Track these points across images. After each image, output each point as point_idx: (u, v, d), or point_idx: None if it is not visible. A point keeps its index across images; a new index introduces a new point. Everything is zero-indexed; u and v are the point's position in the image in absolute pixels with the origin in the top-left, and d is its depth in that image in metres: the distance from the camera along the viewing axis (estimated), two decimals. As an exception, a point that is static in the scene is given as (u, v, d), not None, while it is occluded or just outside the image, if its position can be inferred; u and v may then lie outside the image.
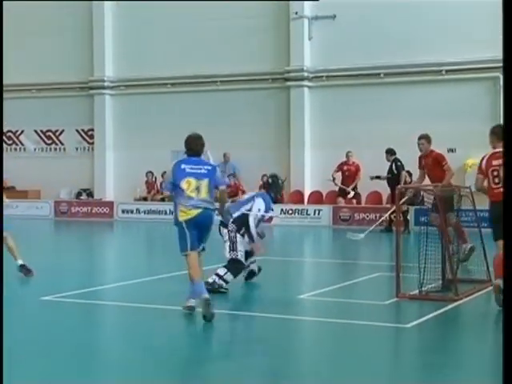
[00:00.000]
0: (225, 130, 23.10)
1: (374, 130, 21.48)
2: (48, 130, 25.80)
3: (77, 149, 25.54)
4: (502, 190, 8.37)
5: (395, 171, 18.68)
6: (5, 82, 25.23)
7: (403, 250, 9.75)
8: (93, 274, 12.52)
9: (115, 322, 8.67)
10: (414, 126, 20.67)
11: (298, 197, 22.21)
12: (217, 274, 9.86)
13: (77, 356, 6.78)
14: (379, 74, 21.62)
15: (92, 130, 25.20)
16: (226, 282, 9.88)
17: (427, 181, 12.74)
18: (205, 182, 8.04)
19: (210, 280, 9.72)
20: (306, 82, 22.44)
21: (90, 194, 25.03)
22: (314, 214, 21.20)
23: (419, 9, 20.98)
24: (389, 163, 19.06)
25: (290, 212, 21.21)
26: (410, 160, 17.09)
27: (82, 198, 24.90)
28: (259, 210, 10.22)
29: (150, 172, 23.57)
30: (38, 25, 25.22)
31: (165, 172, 19.95)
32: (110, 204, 23.85)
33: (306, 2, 22.28)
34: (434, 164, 12.72)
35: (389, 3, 21.26)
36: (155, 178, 23.53)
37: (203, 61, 23.25)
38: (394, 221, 16.38)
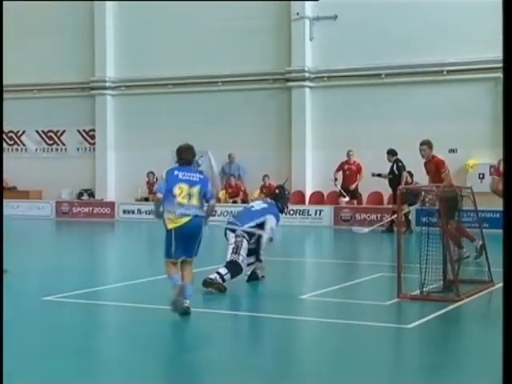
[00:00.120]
0: (226, 131, 23.12)
1: (375, 131, 21.49)
2: (49, 131, 25.82)
3: (78, 149, 25.56)
4: None
5: (396, 172, 18.67)
6: (6, 82, 25.22)
7: (404, 250, 9.75)
8: (94, 274, 12.53)
9: (116, 323, 8.67)
10: (416, 127, 20.75)
11: (299, 197, 22.22)
12: (218, 273, 9.97)
13: (78, 356, 6.79)
14: (380, 75, 21.62)
15: (93, 130, 25.21)
16: (224, 281, 9.98)
17: None
18: (196, 189, 8.27)
19: (212, 277, 9.87)
20: (307, 83, 22.44)
21: (92, 195, 25.04)
22: (315, 214, 21.21)
23: (420, 9, 20.99)
24: (390, 164, 19.05)
25: (292, 212, 21.20)
26: (411, 160, 17.13)
27: (83, 198, 24.92)
28: (271, 229, 10.40)
29: (152, 172, 23.57)
30: (39, 25, 25.24)
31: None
32: (112, 204, 23.86)
33: (307, 2, 22.28)
34: (435, 170, 12.82)
35: (390, 4, 21.27)
36: (156, 179, 23.51)
37: (204, 61, 23.26)
38: (395, 221, 16.38)
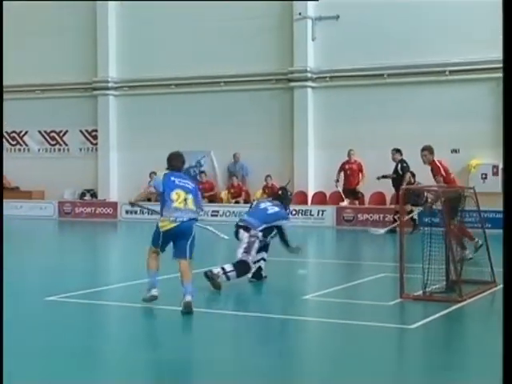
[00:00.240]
0: (228, 131, 23.12)
1: (377, 131, 21.47)
2: (52, 131, 25.84)
3: (81, 149, 25.57)
4: None
5: (400, 172, 18.63)
6: (9, 82, 25.30)
7: (407, 250, 9.75)
8: (97, 274, 12.54)
9: (119, 323, 8.68)
10: (418, 127, 20.76)
11: (301, 197, 22.21)
12: (222, 268, 10.10)
13: (80, 356, 6.80)
14: (383, 75, 21.60)
15: (96, 130, 25.23)
16: (228, 278, 10.00)
17: None
18: (191, 196, 8.67)
19: (215, 271, 10.01)
20: (309, 83, 22.43)
21: (94, 195, 25.05)
22: (318, 214, 21.20)
23: (423, 9, 20.97)
24: (394, 163, 19.00)
25: (294, 212, 21.18)
26: (414, 161, 17.08)
27: (85, 198, 24.93)
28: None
29: (154, 173, 23.41)
30: (41, 25, 25.24)
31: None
32: (114, 204, 23.87)
33: (309, 2, 22.27)
34: (432, 174, 13.11)
35: (392, 4, 21.25)
36: (159, 179, 23.53)
37: (207, 61, 23.26)
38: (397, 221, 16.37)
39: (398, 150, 19.02)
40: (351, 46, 21.77)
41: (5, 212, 24.72)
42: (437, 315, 8.37)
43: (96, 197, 24.96)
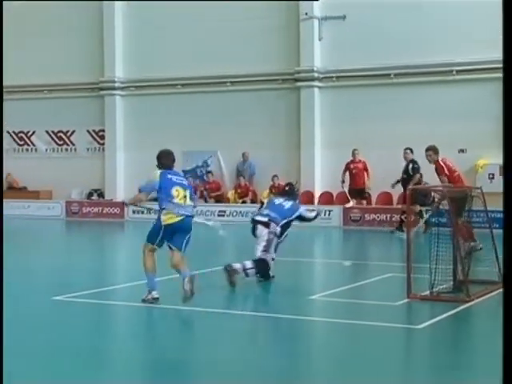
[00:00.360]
0: (235, 131, 23.13)
1: (384, 131, 21.45)
2: (59, 131, 25.89)
3: (88, 149, 25.61)
4: None
5: (411, 172, 18.32)
6: (16, 83, 25.42)
7: (414, 250, 9.74)
8: (104, 274, 12.57)
9: (126, 323, 8.70)
10: (425, 127, 20.72)
11: (308, 197, 22.19)
12: (243, 264, 10.22)
13: (87, 356, 6.81)
14: (389, 75, 21.58)
15: (103, 130, 25.27)
16: (247, 275, 10.21)
17: None
18: (188, 192, 9.03)
19: (235, 266, 10.14)
20: (316, 83, 22.42)
21: (101, 195, 25.09)
22: (325, 214, 21.16)
23: (429, 10, 20.93)
24: (400, 163, 18.78)
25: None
26: (420, 160, 17.07)
27: (92, 198, 24.97)
28: (308, 212, 11.28)
29: None
30: (48, 26, 25.28)
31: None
32: (121, 204, 23.86)
33: (315, 2, 22.27)
34: (437, 174, 13.18)
35: (398, 4, 21.22)
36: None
37: (213, 61, 23.27)
38: (404, 221, 16.37)
39: (411, 150, 18.74)
40: (358, 46, 21.74)
41: (13, 212, 24.95)
42: (444, 315, 8.37)
43: (103, 197, 25.00)
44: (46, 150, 26.12)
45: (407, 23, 21.19)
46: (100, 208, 24.11)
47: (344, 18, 22.02)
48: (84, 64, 25.02)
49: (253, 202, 22.51)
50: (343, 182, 20.74)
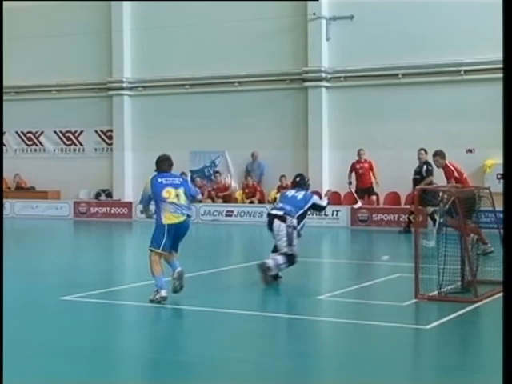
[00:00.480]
0: (242, 131, 23.13)
1: (392, 131, 21.43)
2: (67, 131, 25.94)
3: (96, 149, 25.66)
4: None
5: (424, 174, 18.13)
6: (24, 83, 25.52)
7: (423, 250, 9.73)
8: (112, 274, 12.59)
9: (134, 323, 8.72)
10: (433, 127, 20.70)
11: (316, 197, 22.15)
12: (275, 260, 10.44)
13: (94, 355, 6.83)
14: (397, 75, 21.55)
15: (111, 130, 25.31)
16: (280, 270, 10.50)
17: None
18: (181, 190, 9.34)
19: (269, 264, 10.34)
20: (323, 83, 22.40)
21: (109, 195, 25.14)
22: (332, 214, 21.15)
23: (437, 9, 20.89)
24: (418, 163, 18.50)
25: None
26: (428, 161, 17.06)
27: (100, 198, 25.01)
28: (321, 200, 11.56)
29: (183, 173, 23.58)
30: (56, 26, 25.33)
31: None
32: (129, 204, 23.94)
33: (323, 2, 22.24)
34: (446, 178, 13.45)
35: (406, 4, 21.20)
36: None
37: (221, 62, 23.29)
38: (412, 222, 16.35)
39: (425, 151, 18.52)
40: (365, 46, 21.73)
41: (21, 212, 24.95)
42: (452, 316, 8.36)
43: (111, 197, 25.04)
44: (55, 150, 26.17)
45: (415, 23, 21.16)
46: (108, 208, 24.16)
47: (352, 18, 22.00)
48: (92, 64, 25.07)
49: (260, 202, 22.52)
50: (350, 183, 20.72)
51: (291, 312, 8.99)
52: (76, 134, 25.84)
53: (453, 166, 13.65)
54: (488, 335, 7.86)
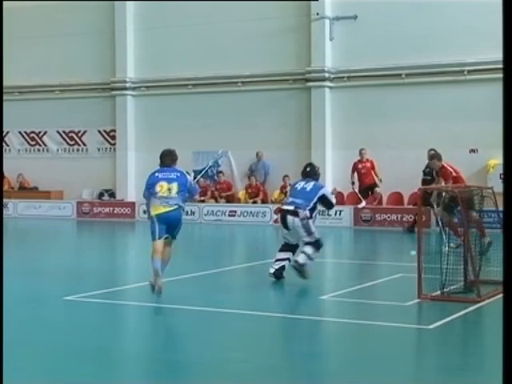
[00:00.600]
0: (245, 131, 23.14)
1: (395, 131, 21.41)
2: (70, 131, 25.96)
3: (99, 149, 25.68)
4: None
5: (435, 175, 18.09)
6: (28, 83, 25.55)
7: (426, 250, 9.72)
8: (115, 274, 12.59)
9: (137, 322, 8.72)
10: (436, 127, 20.69)
11: (319, 197, 22.15)
12: (305, 253, 10.44)
13: (98, 356, 6.83)
14: (401, 75, 21.54)
15: (114, 130, 25.32)
16: (312, 260, 10.54)
17: None
18: (175, 184, 9.58)
19: (301, 260, 10.37)
20: (327, 83, 22.40)
21: (112, 195, 25.15)
22: (335, 214, 21.15)
23: (440, 9, 20.88)
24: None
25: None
26: (424, 161, 17.02)
27: (104, 198, 25.03)
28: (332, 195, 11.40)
29: (187, 172, 23.57)
30: (59, 26, 25.35)
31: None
32: (132, 204, 23.96)
33: (326, 2, 22.23)
34: (445, 180, 13.60)
35: (410, 3, 21.19)
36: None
37: (224, 62, 23.30)
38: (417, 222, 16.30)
39: (435, 151, 18.48)
40: (369, 46, 21.71)
41: (24, 212, 25.00)
42: (455, 316, 8.35)
43: (114, 197, 25.05)
44: (58, 150, 26.20)
45: (418, 23, 21.14)
46: (111, 208, 24.17)
47: (355, 17, 21.99)
48: (95, 64, 25.09)
49: (263, 202, 22.52)
50: (353, 183, 20.71)
51: (294, 312, 8.99)
52: (79, 134, 25.86)
53: (449, 167, 13.69)
54: (491, 335, 7.84)
